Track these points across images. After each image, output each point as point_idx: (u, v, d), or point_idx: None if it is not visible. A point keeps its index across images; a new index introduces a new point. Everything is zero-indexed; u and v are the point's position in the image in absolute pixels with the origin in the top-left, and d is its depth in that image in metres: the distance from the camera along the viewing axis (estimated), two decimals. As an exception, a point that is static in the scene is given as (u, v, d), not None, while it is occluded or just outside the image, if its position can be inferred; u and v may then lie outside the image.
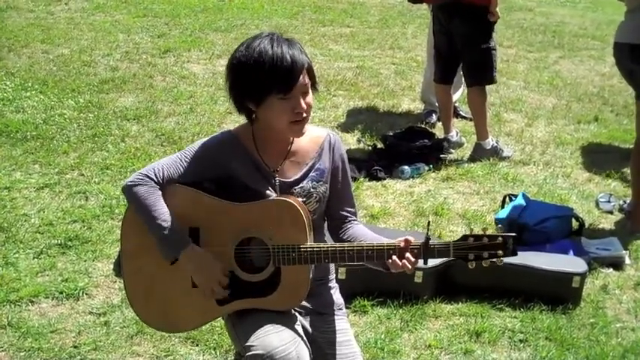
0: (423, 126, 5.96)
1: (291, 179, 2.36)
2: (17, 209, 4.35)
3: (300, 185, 2.36)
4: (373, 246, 2.27)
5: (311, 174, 2.38)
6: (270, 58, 2.18)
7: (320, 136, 2.43)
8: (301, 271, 2.29)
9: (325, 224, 2.50)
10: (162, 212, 2.25)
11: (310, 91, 2.28)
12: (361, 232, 2.44)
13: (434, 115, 6.25)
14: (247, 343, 2.20)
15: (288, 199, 2.29)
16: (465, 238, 2.24)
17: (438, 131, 5.90)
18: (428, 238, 2.24)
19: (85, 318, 3.44)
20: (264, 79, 2.19)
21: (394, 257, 2.23)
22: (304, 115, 2.25)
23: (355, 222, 2.49)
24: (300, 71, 2.21)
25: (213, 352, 3.24)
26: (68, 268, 3.81)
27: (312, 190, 2.37)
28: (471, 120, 5.89)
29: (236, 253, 2.29)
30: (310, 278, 2.31)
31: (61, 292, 3.59)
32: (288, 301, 2.34)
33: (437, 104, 6.07)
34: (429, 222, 2.42)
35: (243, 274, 2.30)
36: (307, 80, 2.24)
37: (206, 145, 2.35)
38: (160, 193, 2.27)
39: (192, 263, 2.28)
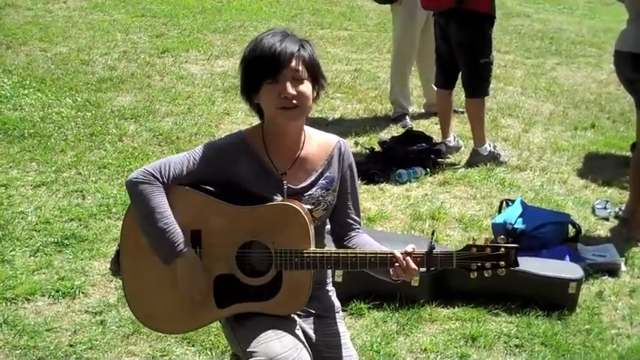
0: (420, 130, 5.96)
1: (300, 186, 2.35)
2: (14, 207, 4.34)
3: (309, 193, 2.35)
4: (376, 253, 2.26)
5: (320, 182, 2.37)
6: (263, 45, 2.24)
7: (330, 143, 2.42)
8: (303, 276, 2.27)
9: (328, 229, 2.49)
10: (167, 215, 2.23)
11: (307, 82, 2.26)
12: (366, 241, 2.43)
13: (407, 117, 6.31)
14: (249, 349, 2.19)
15: (292, 204, 2.27)
16: (468, 248, 2.24)
17: (436, 135, 5.90)
18: (432, 247, 2.23)
19: (81, 317, 3.44)
20: (257, 65, 2.24)
21: (397, 265, 2.22)
22: (294, 101, 2.23)
23: (360, 230, 2.49)
24: (288, 56, 2.22)
25: (210, 352, 3.24)
26: (64, 266, 3.80)
27: (320, 198, 2.36)
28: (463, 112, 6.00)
29: (237, 256, 2.27)
30: (311, 283, 2.30)
31: (57, 291, 3.59)
32: (289, 306, 2.33)
33: (408, 107, 6.36)
34: (433, 231, 2.42)
35: (244, 278, 2.28)
36: (301, 68, 2.24)
37: (214, 147, 2.34)
38: (164, 193, 2.25)
39: (184, 270, 2.26)
